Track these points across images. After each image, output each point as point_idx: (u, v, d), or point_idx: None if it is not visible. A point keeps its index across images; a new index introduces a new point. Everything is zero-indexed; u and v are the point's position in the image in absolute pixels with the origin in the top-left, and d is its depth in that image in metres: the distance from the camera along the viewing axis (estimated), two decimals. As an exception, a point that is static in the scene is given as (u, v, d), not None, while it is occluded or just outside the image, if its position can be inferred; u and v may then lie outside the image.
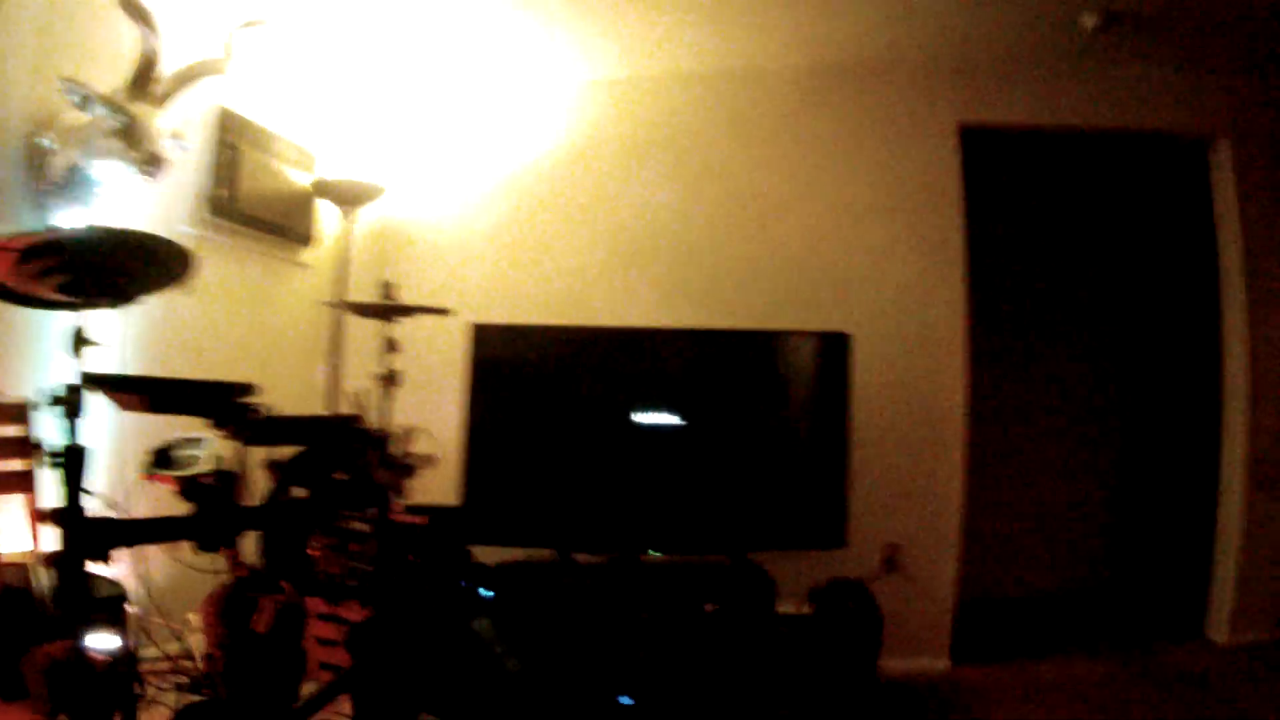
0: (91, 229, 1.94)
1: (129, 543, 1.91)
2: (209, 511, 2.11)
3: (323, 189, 4.48)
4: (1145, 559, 5.86)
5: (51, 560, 1.76)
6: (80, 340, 1.76)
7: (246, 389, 2.24)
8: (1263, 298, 4.68)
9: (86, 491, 1.82)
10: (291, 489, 2.62)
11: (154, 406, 2.10)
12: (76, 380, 1.78)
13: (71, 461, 1.75)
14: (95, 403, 2.08)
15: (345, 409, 3.11)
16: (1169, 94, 4.70)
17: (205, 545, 2.11)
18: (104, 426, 3.38)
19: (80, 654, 1.76)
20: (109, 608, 2.24)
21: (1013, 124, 4.74)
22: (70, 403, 1.74)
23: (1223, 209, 4.81)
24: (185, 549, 2.27)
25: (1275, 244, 4.71)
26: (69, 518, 1.74)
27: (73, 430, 1.77)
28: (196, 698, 3.04)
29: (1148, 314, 5.99)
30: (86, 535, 1.77)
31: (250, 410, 2.23)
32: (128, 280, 1.78)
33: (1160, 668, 4.36)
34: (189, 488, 2.14)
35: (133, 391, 2.04)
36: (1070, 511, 5.95)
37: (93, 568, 1.94)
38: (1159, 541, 5.81)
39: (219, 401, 2.21)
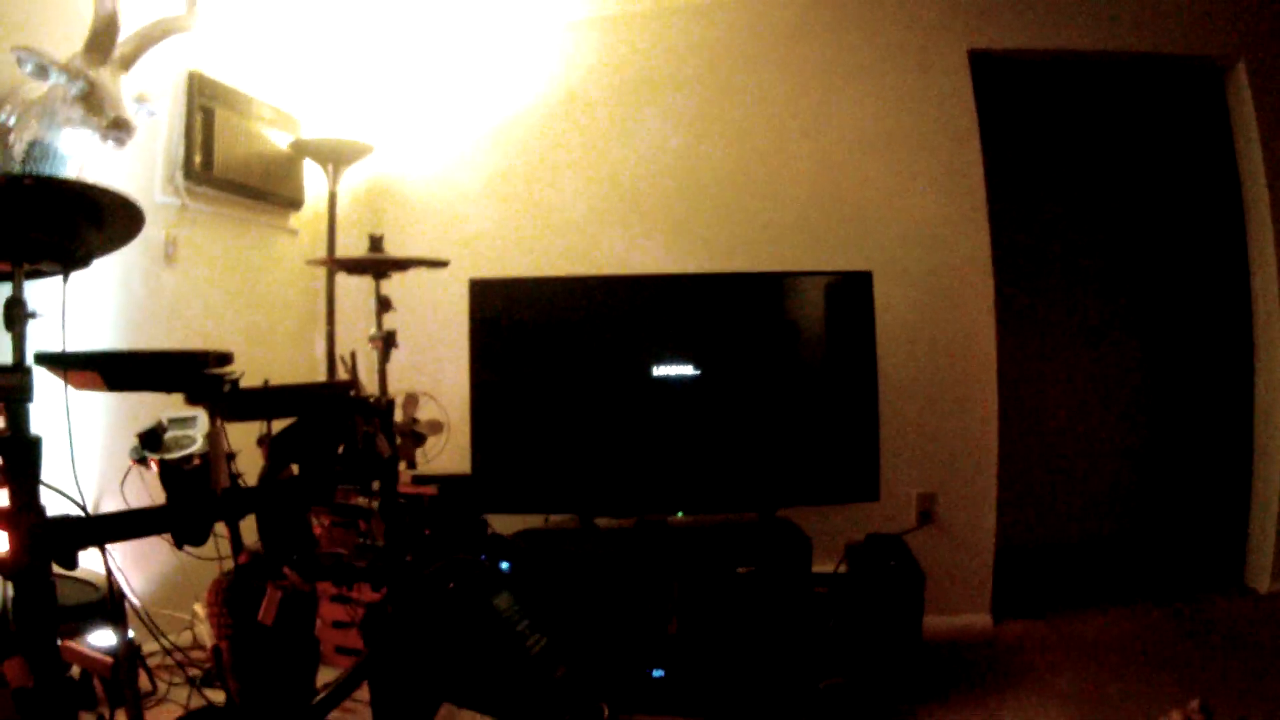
0: (13, 176, 1.72)
1: (96, 542, 1.70)
2: (182, 501, 1.90)
3: (306, 149, 4.28)
4: (1181, 505, 5.70)
5: (4, 568, 1.54)
6: (15, 311, 1.53)
7: (222, 358, 2.01)
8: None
9: (46, 486, 1.62)
10: (289, 467, 2.43)
11: (112, 384, 1.87)
12: (24, 359, 1.56)
13: (21, 454, 1.54)
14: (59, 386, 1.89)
15: (341, 375, 2.91)
16: (1184, 15, 4.44)
17: (181, 538, 1.90)
18: (97, 410, 3.24)
19: (47, 670, 1.56)
20: (80, 615, 2.04)
21: (1023, 49, 4.47)
22: (14, 386, 1.51)
23: (1243, 136, 4.58)
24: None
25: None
26: (23, 518, 1.53)
27: (20, 417, 1.55)
28: (209, 693, 2.88)
29: (1174, 250, 5.78)
30: (45, 537, 1.56)
31: (225, 381, 2.01)
32: (69, 238, 1.56)
33: (1205, 620, 4.19)
34: (166, 473, 1.93)
35: (84, 368, 1.82)
36: (1103, 457, 5.79)
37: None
38: (1195, 487, 5.65)
39: (187, 373, 1.99)
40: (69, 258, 1.59)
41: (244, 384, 2.26)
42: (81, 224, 1.55)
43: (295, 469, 2.43)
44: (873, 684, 3.38)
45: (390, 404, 2.84)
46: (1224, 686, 3.39)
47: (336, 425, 2.44)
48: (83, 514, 1.64)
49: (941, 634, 4.05)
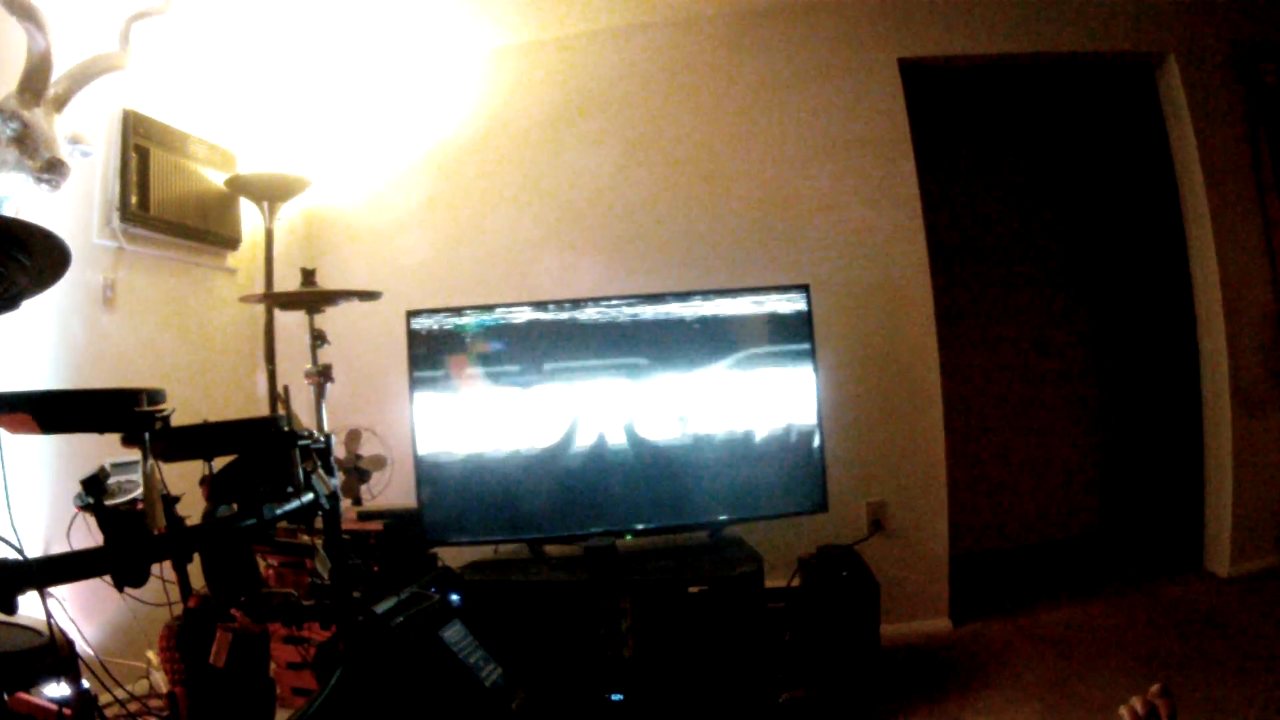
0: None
1: (31, 585, 1.67)
2: (118, 541, 1.88)
3: (242, 185, 4.23)
4: (1138, 498, 5.78)
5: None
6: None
7: (154, 396, 1.99)
8: (1225, 217, 4.55)
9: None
10: (230, 506, 2.40)
11: (44, 425, 1.84)
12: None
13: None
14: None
15: (281, 412, 2.90)
16: (1113, 13, 4.54)
17: (119, 580, 1.88)
18: (43, 459, 3.20)
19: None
20: (32, 666, 2.01)
21: (953, 55, 4.55)
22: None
23: (1176, 129, 4.68)
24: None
25: (1233, 160, 4.58)
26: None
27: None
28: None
29: (1118, 246, 5.87)
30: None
31: (155, 419, 1.98)
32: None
33: (1167, 606, 4.24)
34: (102, 516, 1.91)
35: (14, 409, 1.79)
36: (1056, 457, 5.84)
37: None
38: (1150, 478, 5.73)
39: (119, 412, 1.96)
40: (-5, 295, 1.57)
41: (186, 424, 2.24)
42: (7, 261, 1.52)
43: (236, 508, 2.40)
44: (833, 694, 3.38)
45: (328, 439, 2.82)
46: (1187, 669, 3.44)
47: (273, 462, 2.42)
48: (17, 556, 1.61)
49: (901, 640, 4.08)
